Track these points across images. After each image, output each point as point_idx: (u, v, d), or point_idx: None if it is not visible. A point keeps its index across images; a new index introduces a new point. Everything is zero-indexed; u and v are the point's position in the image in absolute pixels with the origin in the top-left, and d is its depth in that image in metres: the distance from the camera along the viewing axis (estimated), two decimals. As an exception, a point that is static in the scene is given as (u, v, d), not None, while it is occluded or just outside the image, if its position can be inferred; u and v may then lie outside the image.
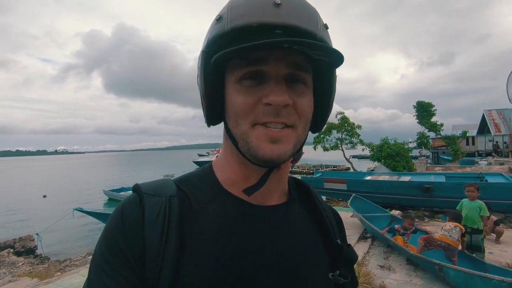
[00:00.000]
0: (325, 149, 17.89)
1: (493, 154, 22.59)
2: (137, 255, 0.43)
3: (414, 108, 23.21)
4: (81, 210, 10.80)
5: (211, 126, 0.52)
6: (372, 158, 17.37)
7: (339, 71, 0.52)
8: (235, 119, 0.46)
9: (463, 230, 3.95)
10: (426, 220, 7.35)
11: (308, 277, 0.50)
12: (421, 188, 8.06)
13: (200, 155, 63.12)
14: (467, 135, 25.72)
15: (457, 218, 4.09)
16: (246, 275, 0.45)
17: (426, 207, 8.21)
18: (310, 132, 0.53)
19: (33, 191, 25.06)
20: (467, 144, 27.32)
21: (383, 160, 15.66)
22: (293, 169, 38.62)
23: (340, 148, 17.36)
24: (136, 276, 0.42)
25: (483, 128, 29.63)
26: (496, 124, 27.06)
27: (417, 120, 23.04)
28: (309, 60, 0.45)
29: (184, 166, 51.68)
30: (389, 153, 15.49)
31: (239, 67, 0.44)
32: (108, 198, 17.90)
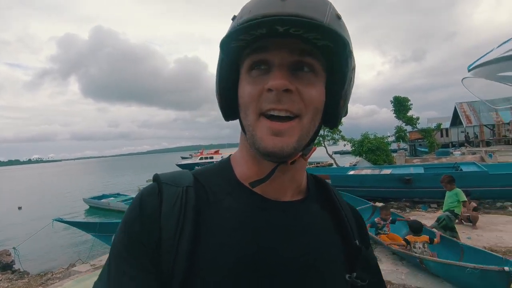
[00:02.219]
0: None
1: (465, 144, 23.79)
2: (154, 243, 0.43)
3: (391, 103, 24.05)
4: (61, 221, 10.34)
5: (229, 120, 0.53)
6: (354, 153, 17.81)
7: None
8: (244, 110, 0.47)
9: (428, 240, 4.07)
10: (407, 211, 7.64)
11: (326, 273, 0.49)
12: (402, 180, 8.38)
13: (183, 158, 62.09)
14: (441, 127, 26.97)
15: (417, 230, 4.18)
16: (261, 269, 0.45)
17: (407, 198, 8.54)
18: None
19: (5, 203, 23.71)
20: (442, 136, 28.55)
21: (364, 155, 16.10)
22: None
23: (323, 144, 17.67)
24: (154, 264, 0.43)
25: (456, 120, 31.09)
26: (467, 116, 28.46)
27: (394, 115, 23.89)
28: (316, 48, 0.44)
29: (167, 170, 50.23)
30: (370, 148, 15.95)
31: (247, 57, 0.46)
32: (88, 206, 17.26)
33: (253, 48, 0.44)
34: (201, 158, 52.71)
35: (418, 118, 23.38)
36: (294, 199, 0.54)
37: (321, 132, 18.84)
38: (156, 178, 0.51)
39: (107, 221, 9.68)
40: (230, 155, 0.59)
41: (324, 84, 0.48)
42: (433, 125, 25.93)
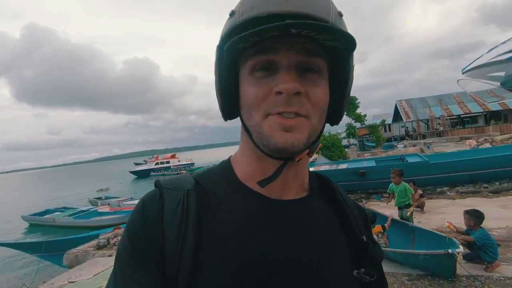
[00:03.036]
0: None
1: (406, 138, 26.38)
2: (157, 248, 0.44)
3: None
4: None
5: (228, 120, 0.53)
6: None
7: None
8: (248, 111, 0.46)
9: (381, 229, 4.44)
10: (363, 202, 8.21)
11: (330, 273, 0.49)
12: (357, 174, 8.96)
13: (136, 164, 58.72)
14: (385, 123, 29.54)
15: (372, 220, 4.47)
16: (265, 271, 0.44)
17: (362, 190, 9.16)
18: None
19: None
20: (385, 131, 31.29)
21: (320, 151, 16.88)
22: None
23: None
24: (158, 269, 0.43)
25: (397, 116, 34.33)
26: (406, 112, 31.61)
27: (344, 113, 25.49)
28: (322, 48, 0.43)
29: (120, 178, 47.47)
30: (325, 145, 16.76)
31: (250, 58, 0.44)
32: (29, 224, 15.39)
33: (258, 48, 0.43)
34: (156, 163, 50.49)
35: (365, 115, 25.25)
36: (298, 197, 0.53)
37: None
38: (157, 183, 0.51)
39: (55, 239, 8.72)
40: (230, 156, 0.57)
41: (327, 83, 0.48)
42: (378, 121, 28.25)
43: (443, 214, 5.90)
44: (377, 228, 4.42)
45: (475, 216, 3.70)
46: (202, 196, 0.49)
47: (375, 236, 4.28)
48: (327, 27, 0.38)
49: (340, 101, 0.51)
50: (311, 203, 0.54)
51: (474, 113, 27.66)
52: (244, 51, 0.44)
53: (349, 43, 0.41)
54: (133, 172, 48.40)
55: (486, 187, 7.80)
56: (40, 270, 7.28)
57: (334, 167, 10.51)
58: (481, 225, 3.70)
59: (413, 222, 5.15)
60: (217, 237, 0.45)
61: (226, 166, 0.55)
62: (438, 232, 4.16)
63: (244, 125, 0.49)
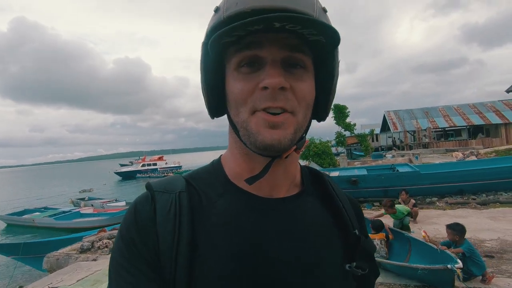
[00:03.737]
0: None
1: (394, 148, 26.87)
2: (151, 250, 0.44)
3: (332, 110, 25.94)
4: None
5: (214, 118, 0.53)
6: (301, 157, 18.62)
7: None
8: (235, 108, 0.46)
9: (385, 237, 4.44)
10: (355, 210, 8.20)
11: (322, 268, 0.49)
12: (349, 181, 8.98)
13: (122, 165, 57.46)
14: (374, 133, 30.06)
15: (378, 228, 4.51)
16: (259, 270, 0.44)
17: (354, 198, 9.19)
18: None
19: None
20: (373, 140, 31.82)
21: (310, 158, 16.93)
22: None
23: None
24: (153, 270, 0.43)
25: (385, 126, 35.00)
26: (394, 123, 32.25)
27: (334, 121, 25.78)
28: (307, 43, 0.43)
29: (104, 178, 46.24)
30: (316, 152, 16.84)
31: (235, 54, 0.44)
32: (6, 224, 14.65)
33: (243, 44, 0.43)
34: (143, 165, 49.57)
35: (355, 124, 25.60)
36: (289, 194, 0.53)
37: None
38: (148, 186, 0.51)
39: (34, 240, 8.27)
40: (221, 155, 0.58)
41: (313, 78, 0.48)
42: (366, 131, 28.72)
43: (435, 224, 5.93)
44: (381, 235, 4.39)
45: (458, 231, 3.82)
46: (194, 196, 0.49)
47: (377, 242, 4.22)
48: (310, 19, 0.39)
49: (326, 97, 0.51)
50: (303, 200, 0.54)
51: (458, 126, 28.49)
52: (229, 46, 0.44)
53: (333, 37, 0.41)
54: (118, 173, 47.31)
55: (474, 199, 7.94)
56: (17, 275, 6.84)
57: (326, 174, 10.53)
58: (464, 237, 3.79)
59: (410, 231, 5.20)
60: (211, 238, 0.46)
61: (216, 165, 0.56)
62: (431, 244, 4.15)
63: (232, 122, 0.49)
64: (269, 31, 0.40)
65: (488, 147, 21.71)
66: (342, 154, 21.40)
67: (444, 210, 7.15)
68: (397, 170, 9.79)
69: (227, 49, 0.45)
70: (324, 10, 0.46)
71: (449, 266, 3.23)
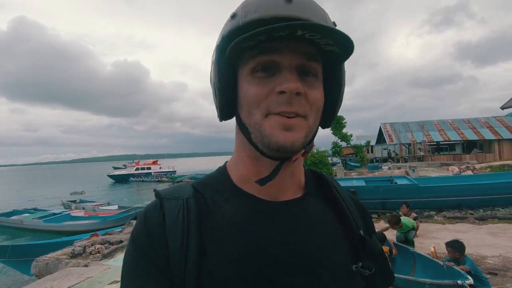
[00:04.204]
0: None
1: (389, 160, 27.02)
2: (161, 255, 0.45)
3: (330, 120, 26.02)
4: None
5: (223, 121, 0.54)
6: (298, 166, 18.55)
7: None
8: (248, 110, 0.47)
9: (388, 251, 4.38)
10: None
11: (329, 269, 0.49)
12: (348, 192, 8.90)
13: (115, 168, 56.61)
14: (370, 144, 30.25)
15: (381, 241, 4.40)
16: (263, 274, 0.45)
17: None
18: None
19: None
20: (368, 152, 32.00)
21: (307, 168, 16.87)
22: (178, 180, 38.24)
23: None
24: (162, 274, 0.44)
25: (380, 138, 35.27)
26: (389, 135, 32.52)
27: (331, 131, 25.88)
28: (320, 52, 0.45)
29: (97, 181, 45.55)
30: (313, 161, 16.81)
31: (252, 58, 0.45)
32: (-7, 225, 14.20)
33: (260, 49, 0.44)
34: (137, 169, 48.96)
35: (351, 135, 25.72)
36: (294, 197, 0.54)
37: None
38: (157, 194, 0.52)
39: (22, 243, 7.98)
40: (226, 161, 0.59)
41: (322, 86, 0.49)
42: (362, 142, 28.87)
43: (436, 238, 5.85)
44: (384, 248, 4.30)
45: (457, 248, 3.81)
46: (201, 202, 0.50)
47: None
48: (331, 29, 0.41)
49: (333, 105, 0.53)
50: (307, 202, 0.54)
51: (452, 140, 28.82)
52: (247, 51, 0.45)
53: (348, 48, 0.43)
54: (111, 176, 46.62)
55: (472, 214, 7.92)
56: (2, 279, 6.56)
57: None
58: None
59: (414, 246, 5.11)
60: (218, 241, 0.47)
61: (222, 172, 0.57)
62: (437, 260, 4.09)
63: (242, 124, 0.49)
64: (290, 39, 0.42)
65: (482, 162, 21.92)
66: (338, 164, 21.41)
67: (444, 224, 7.11)
68: (395, 182, 9.77)
69: (242, 54, 0.46)
70: (334, 24, 0.48)
71: (459, 282, 3.14)
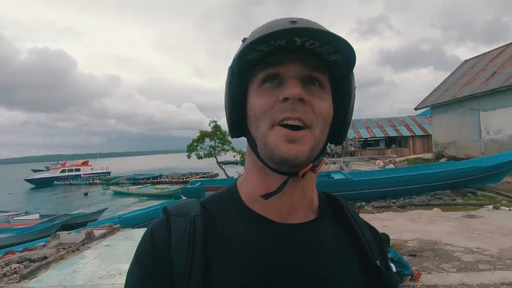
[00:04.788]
0: (199, 157, 17.95)
1: (326, 156, 29.22)
2: (165, 273, 0.45)
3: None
4: None
5: (234, 138, 0.55)
6: (242, 163, 18.76)
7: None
8: (255, 122, 0.48)
9: None
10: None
11: None
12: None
13: (35, 171, 49.52)
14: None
15: (387, 241, 4.23)
16: None
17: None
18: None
19: None
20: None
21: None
22: (162, 178, 36.47)
23: (214, 155, 17.82)
24: None
25: (318, 135, 37.87)
26: (326, 132, 35.17)
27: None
28: (324, 64, 0.46)
29: (10, 187, 39.03)
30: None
31: (258, 73, 0.47)
32: None
33: (267, 62, 0.46)
34: (63, 171, 43.54)
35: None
36: (306, 220, 0.52)
37: (212, 143, 19.21)
38: (164, 210, 0.52)
39: None
40: (237, 179, 0.58)
41: (331, 98, 0.49)
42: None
43: (367, 227, 6.51)
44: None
45: (384, 241, 4.18)
46: (209, 221, 0.50)
47: None
48: (329, 33, 0.41)
49: (343, 119, 0.52)
50: (319, 226, 0.53)
51: (377, 137, 32.52)
52: (256, 67, 0.47)
53: (349, 55, 0.44)
54: (31, 181, 40.61)
55: (394, 203, 9.05)
56: None
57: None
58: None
59: None
60: (224, 264, 0.46)
61: (232, 190, 0.56)
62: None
63: (251, 138, 0.50)
64: (291, 50, 0.43)
65: (401, 156, 25.23)
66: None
67: (373, 214, 7.96)
68: (332, 177, 10.60)
69: (252, 71, 0.48)
70: None
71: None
